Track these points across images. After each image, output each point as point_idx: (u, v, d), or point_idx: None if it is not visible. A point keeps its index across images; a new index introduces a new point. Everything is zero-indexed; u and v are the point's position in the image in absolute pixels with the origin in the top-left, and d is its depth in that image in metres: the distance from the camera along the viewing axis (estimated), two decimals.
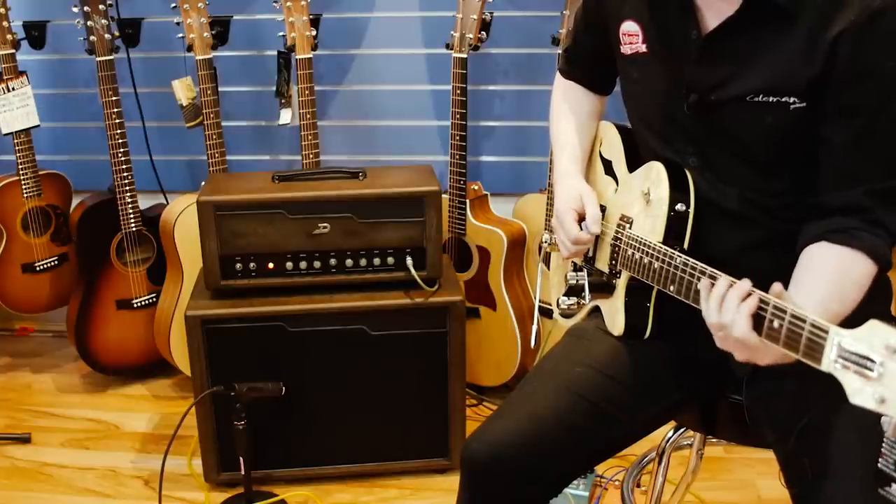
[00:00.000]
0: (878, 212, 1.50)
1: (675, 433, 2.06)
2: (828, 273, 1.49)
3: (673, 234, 1.63)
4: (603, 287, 1.80)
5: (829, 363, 1.18)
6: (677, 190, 1.64)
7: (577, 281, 1.84)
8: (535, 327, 2.11)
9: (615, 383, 1.72)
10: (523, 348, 3.07)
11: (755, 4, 1.53)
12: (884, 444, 1.22)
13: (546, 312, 2.10)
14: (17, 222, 3.20)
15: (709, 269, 1.46)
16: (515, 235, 3.04)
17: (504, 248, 3.00)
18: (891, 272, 1.67)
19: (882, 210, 1.51)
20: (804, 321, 1.23)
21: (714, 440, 2.06)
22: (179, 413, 2.73)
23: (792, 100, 1.53)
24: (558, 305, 1.93)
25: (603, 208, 1.82)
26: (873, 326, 1.12)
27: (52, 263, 3.31)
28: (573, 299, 1.89)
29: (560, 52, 2.80)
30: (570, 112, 1.97)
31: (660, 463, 2.13)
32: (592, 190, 1.82)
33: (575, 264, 1.89)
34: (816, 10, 1.49)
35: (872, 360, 1.11)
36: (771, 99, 1.54)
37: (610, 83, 1.98)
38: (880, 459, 1.25)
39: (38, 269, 3.28)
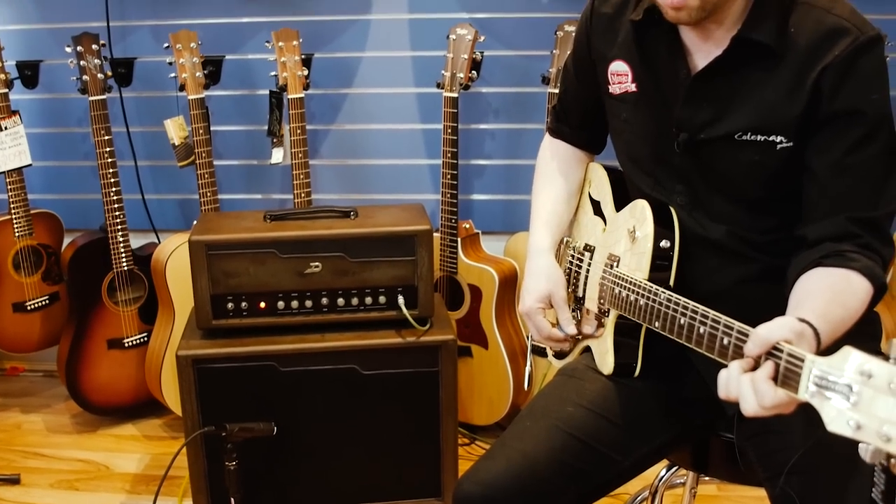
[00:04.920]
0: (867, 237, 1.52)
1: (667, 472, 2.05)
2: (826, 287, 1.48)
3: (658, 270, 1.64)
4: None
5: (805, 392, 1.18)
6: (662, 227, 1.65)
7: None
8: (528, 369, 2.12)
9: (607, 422, 1.72)
10: (515, 387, 3.07)
11: (742, 45, 1.55)
12: (875, 473, 1.23)
13: (539, 351, 2.11)
14: (8, 261, 3.19)
15: (691, 304, 1.47)
16: (507, 274, 3.05)
17: (496, 286, 3.01)
18: (879, 309, 1.68)
19: (870, 236, 1.52)
20: (781, 351, 1.24)
21: (707, 478, 2.06)
22: (170, 453, 2.72)
23: (779, 139, 1.55)
24: (551, 346, 1.94)
25: (592, 248, 1.83)
26: (847, 353, 1.12)
27: (43, 303, 3.30)
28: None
29: (548, 109, 2.84)
30: (558, 173, 1.97)
31: (653, 502, 2.13)
32: (561, 278, 1.84)
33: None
34: (802, 50, 1.52)
35: (848, 387, 1.11)
36: (759, 138, 1.57)
37: (600, 141, 1.99)
38: (873, 489, 1.25)
39: (28, 308, 3.27)
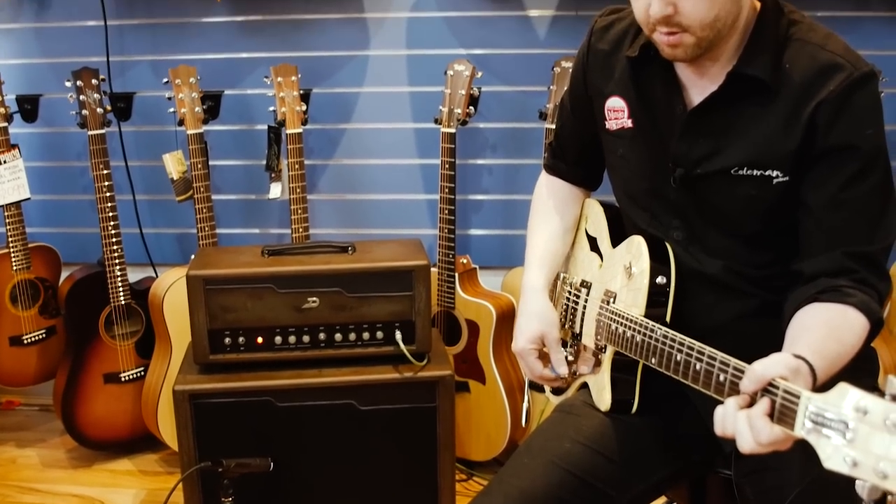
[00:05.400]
0: (863, 272, 1.52)
1: None
2: (822, 323, 1.49)
3: (654, 306, 1.64)
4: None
5: (801, 428, 1.18)
6: (658, 263, 1.66)
7: (567, 357, 1.85)
8: (525, 405, 2.11)
9: (604, 459, 1.72)
10: (513, 422, 3.06)
11: (737, 80, 1.57)
12: None
13: (536, 387, 2.12)
14: (5, 295, 3.19)
15: (687, 341, 1.47)
16: (504, 309, 3.05)
17: (493, 321, 3.01)
18: (877, 344, 1.68)
19: (866, 271, 1.53)
20: (777, 387, 1.24)
21: None
22: (166, 489, 2.70)
23: (775, 174, 1.56)
24: None
25: (588, 284, 1.83)
26: (843, 389, 1.12)
27: (40, 336, 3.30)
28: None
29: (545, 145, 2.85)
30: (554, 211, 1.98)
31: None
32: (555, 319, 1.85)
33: (563, 341, 1.90)
34: (797, 85, 1.54)
35: (844, 423, 1.11)
36: (755, 172, 1.58)
37: (596, 177, 1.99)
38: None
39: (25, 342, 3.27)
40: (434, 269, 3.01)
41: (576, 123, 1.91)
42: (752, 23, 1.59)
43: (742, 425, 1.27)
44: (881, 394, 1.09)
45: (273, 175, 3.16)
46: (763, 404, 1.26)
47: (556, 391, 1.95)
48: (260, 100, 3.17)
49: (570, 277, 1.92)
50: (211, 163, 3.08)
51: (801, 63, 1.54)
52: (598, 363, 1.77)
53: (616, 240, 1.80)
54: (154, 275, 3.39)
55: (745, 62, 1.57)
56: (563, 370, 1.81)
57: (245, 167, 3.36)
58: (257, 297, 2.48)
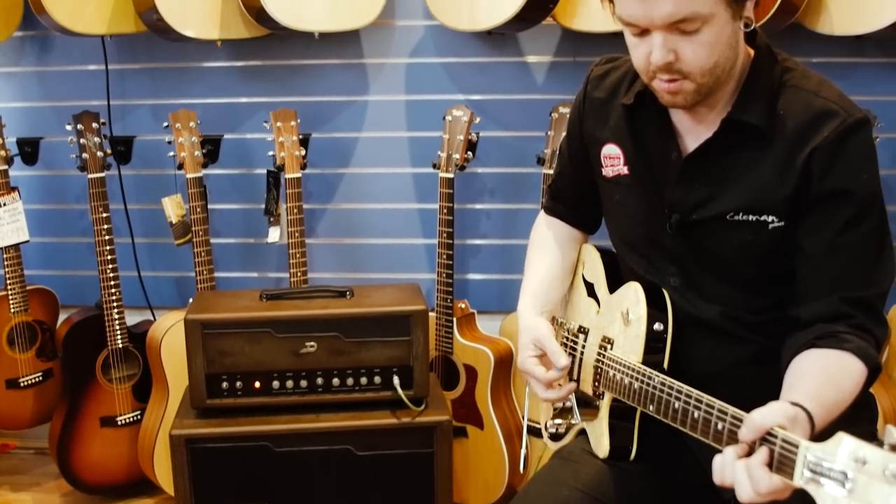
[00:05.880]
0: (860, 317, 1.53)
1: None
2: (819, 370, 1.48)
3: (652, 352, 1.64)
4: (589, 408, 1.80)
5: (800, 478, 1.18)
6: (655, 309, 1.66)
7: (565, 403, 1.84)
8: (523, 451, 2.10)
9: None
10: (511, 467, 3.04)
11: (732, 127, 1.58)
12: None
13: (534, 432, 2.11)
14: (2, 337, 3.18)
15: (685, 388, 1.47)
16: (502, 354, 3.04)
17: (491, 366, 3.00)
18: (876, 390, 1.68)
19: (863, 316, 1.53)
20: (775, 436, 1.24)
21: None
22: None
23: (771, 219, 1.57)
24: (547, 428, 1.93)
25: (586, 330, 1.83)
26: (841, 439, 1.12)
27: (37, 379, 3.29)
28: (562, 421, 1.89)
29: (543, 190, 2.85)
30: (554, 242, 1.98)
31: None
32: (542, 323, 1.82)
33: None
34: (791, 132, 1.55)
35: (843, 474, 1.10)
36: (750, 218, 1.59)
37: (595, 221, 2.00)
38: None
39: (22, 384, 3.25)
40: (432, 314, 3.01)
41: (574, 170, 1.92)
42: (747, 70, 1.60)
43: (741, 475, 1.27)
44: (880, 442, 1.08)
45: (272, 219, 3.17)
46: (762, 454, 1.26)
47: (555, 437, 1.94)
48: (259, 144, 3.18)
49: (567, 323, 1.92)
50: (210, 206, 3.09)
51: (795, 109, 1.56)
52: (596, 409, 1.77)
53: (613, 286, 1.80)
54: (152, 318, 3.39)
55: (740, 109, 1.58)
56: (563, 360, 1.75)
57: (244, 211, 3.36)
58: (255, 342, 2.48)
